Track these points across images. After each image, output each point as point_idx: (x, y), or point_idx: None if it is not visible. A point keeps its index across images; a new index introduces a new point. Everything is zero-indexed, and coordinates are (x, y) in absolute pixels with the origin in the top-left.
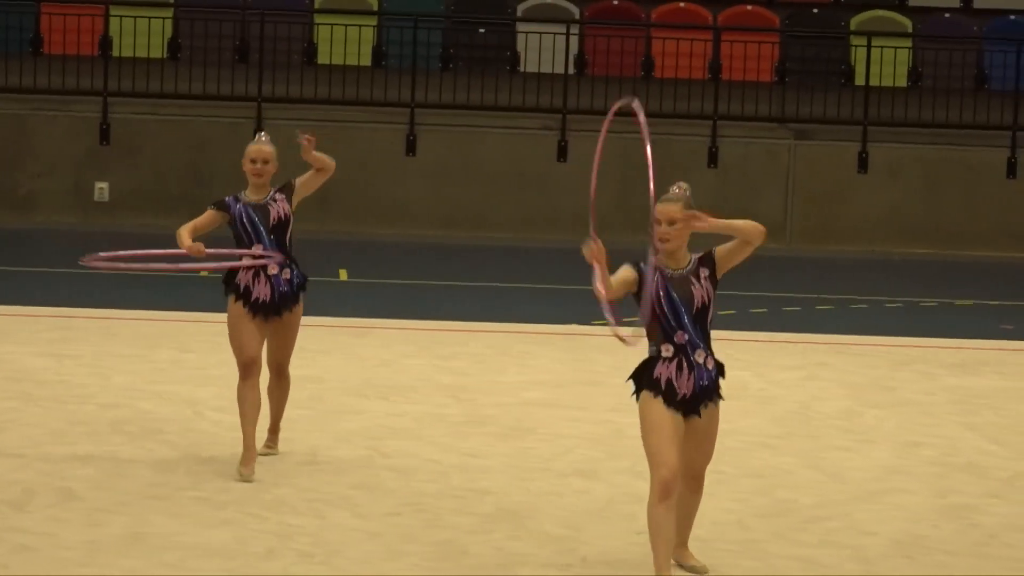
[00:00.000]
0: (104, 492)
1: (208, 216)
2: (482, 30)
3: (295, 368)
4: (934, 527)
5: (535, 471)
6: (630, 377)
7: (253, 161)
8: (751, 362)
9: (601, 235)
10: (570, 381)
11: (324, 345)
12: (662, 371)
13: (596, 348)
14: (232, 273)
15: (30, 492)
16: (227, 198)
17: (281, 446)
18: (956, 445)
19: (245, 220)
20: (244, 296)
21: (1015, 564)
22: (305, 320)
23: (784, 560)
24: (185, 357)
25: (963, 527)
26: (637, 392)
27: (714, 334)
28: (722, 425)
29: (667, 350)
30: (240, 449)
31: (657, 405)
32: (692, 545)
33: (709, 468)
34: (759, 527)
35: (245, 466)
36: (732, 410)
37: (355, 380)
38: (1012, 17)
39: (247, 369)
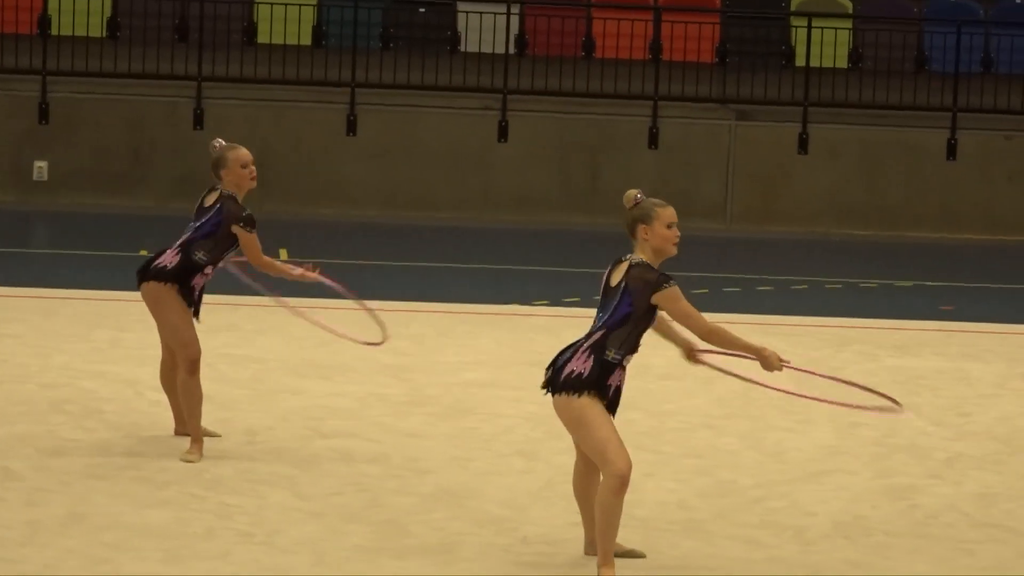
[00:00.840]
0: (43, 472)
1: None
2: (422, 9)
3: (235, 348)
4: (874, 508)
5: (476, 451)
6: (578, 379)
7: (244, 166)
8: None
9: (543, 215)
10: (511, 362)
11: (264, 325)
12: (615, 380)
13: (536, 328)
14: (188, 274)
15: None
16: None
17: (222, 427)
18: (896, 426)
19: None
20: (188, 297)
21: (955, 544)
22: (244, 299)
23: (725, 540)
24: (124, 337)
25: (903, 508)
26: (580, 392)
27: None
28: (665, 405)
29: (627, 361)
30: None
31: (600, 407)
32: (632, 525)
33: (651, 448)
34: (701, 507)
35: (197, 453)
36: (674, 391)
37: (295, 360)
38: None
39: (196, 364)
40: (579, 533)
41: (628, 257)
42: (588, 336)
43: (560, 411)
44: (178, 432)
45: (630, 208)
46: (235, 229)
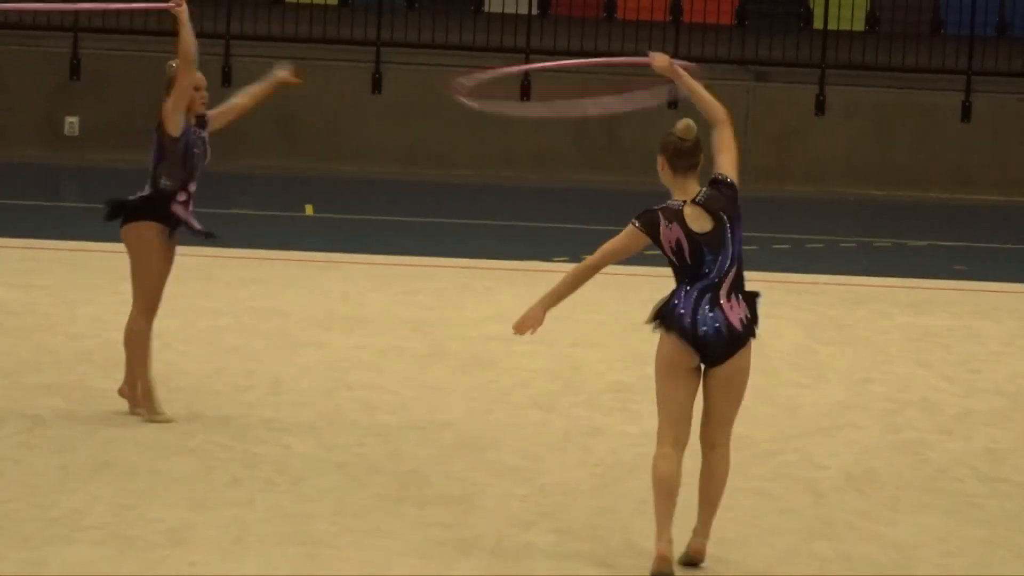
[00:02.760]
0: (72, 420)
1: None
2: None
3: (261, 300)
4: (885, 462)
5: (494, 403)
6: (751, 324)
7: (197, 89)
8: None
9: (562, 173)
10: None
11: (289, 279)
12: None
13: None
14: (163, 201)
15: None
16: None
17: (247, 379)
18: (908, 382)
19: (191, 148)
20: (166, 222)
21: (963, 498)
22: (270, 254)
23: (738, 492)
24: None
25: (914, 462)
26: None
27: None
28: None
29: None
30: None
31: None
32: (646, 480)
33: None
34: None
35: (157, 412)
36: None
37: (319, 313)
38: None
39: (152, 312)
40: (594, 483)
41: (687, 200)
42: (718, 284)
43: (742, 366)
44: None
45: (694, 139)
46: (164, 104)
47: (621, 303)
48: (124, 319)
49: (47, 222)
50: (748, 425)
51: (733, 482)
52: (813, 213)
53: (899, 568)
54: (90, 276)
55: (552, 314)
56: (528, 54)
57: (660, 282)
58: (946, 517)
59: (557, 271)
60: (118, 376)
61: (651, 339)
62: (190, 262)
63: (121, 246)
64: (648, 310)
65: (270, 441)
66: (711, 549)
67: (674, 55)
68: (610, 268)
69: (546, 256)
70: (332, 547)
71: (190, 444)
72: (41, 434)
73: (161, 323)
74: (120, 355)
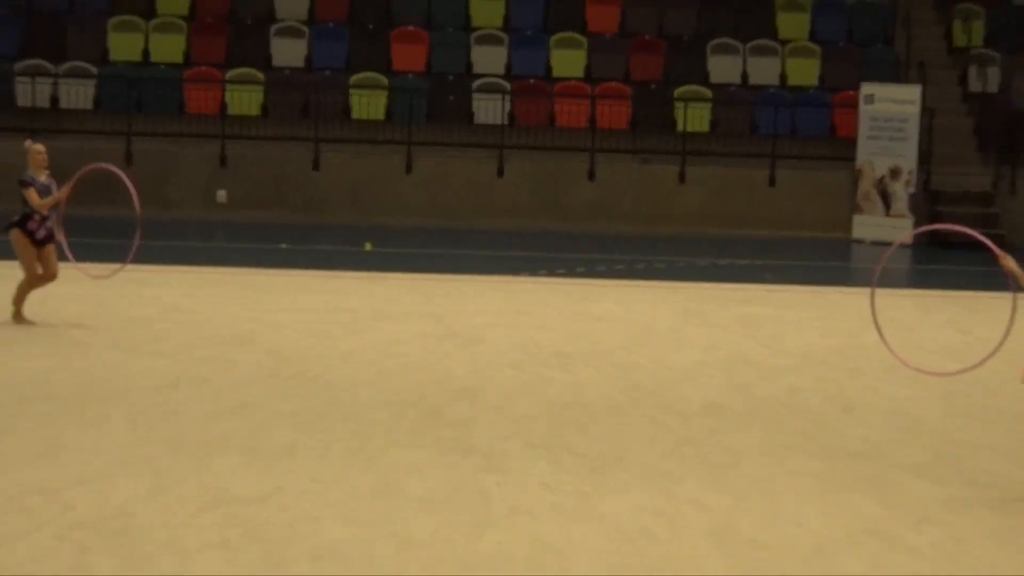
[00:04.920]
0: (221, 379)
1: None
2: (451, 97)
3: (335, 303)
4: (727, 398)
5: (484, 365)
6: None
7: (39, 154)
8: (620, 299)
9: (523, 221)
10: (504, 311)
11: (354, 288)
12: None
13: (521, 291)
14: (24, 222)
15: (174, 379)
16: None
17: (328, 350)
18: (739, 348)
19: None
20: (32, 236)
21: (774, 419)
22: (344, 273)
23: (634, 417)
24: (266, 297)
25: (744, 398)
26: None
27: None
28: (597, 337)
29: None
30: None
31: None
32: (580, 412)
33: (589, 365)
34: (624, 398)
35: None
36: (600, 330)
37: (372, 310)
38: (771, 90)
39: (34, 282)
40: (547, 413)
41: None
42: None
43: None
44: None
45: None
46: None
47: (566, 301)
48: (252, 321)
49: (202, 255)
50: (639, 374)
51: (632, 411)
52: (679, 245)
53: (733, 460)
54: (228, 289)
55: (519, 310)
56: (502, 148)
57: (590, 289)
58: (763, 431)
59: (520, 283)
60: (252, 351)
61: (587, 324)
62: (302, 281)
63: (254, 270)
64: (579, 308)
65: (345, 390)
66: (622, 451)
67: (591, 149)
68: (555, 279)
69: (515, 272)
70: (386, 453)
71: (299, 392)
72: (202, 389)
73: (278, 317)
74: (254, 339)
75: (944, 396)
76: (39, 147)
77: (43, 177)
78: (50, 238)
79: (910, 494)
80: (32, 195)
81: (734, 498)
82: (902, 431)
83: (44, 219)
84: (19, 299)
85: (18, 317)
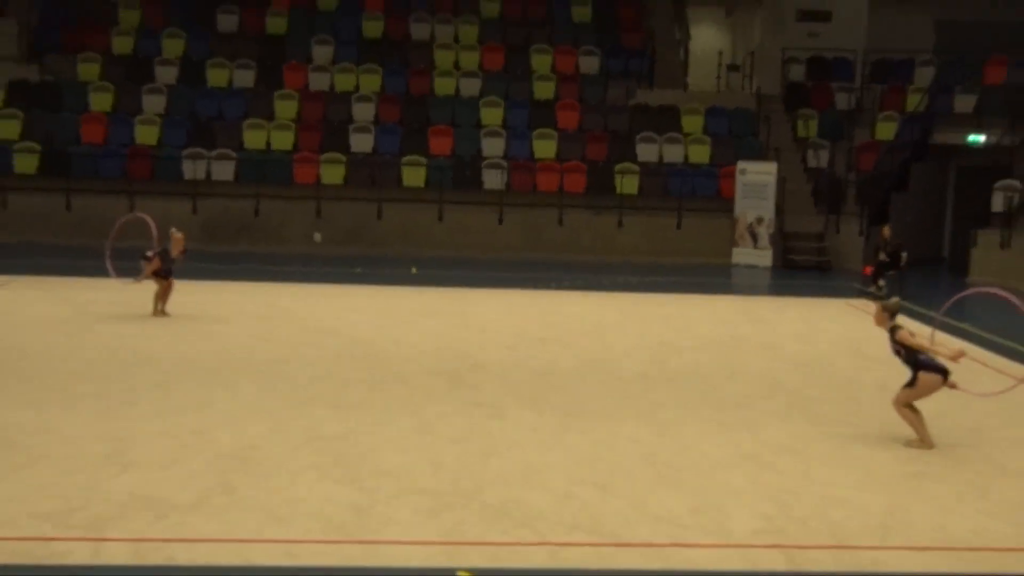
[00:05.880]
0: (318, 360)
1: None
2: (468, 172)
3: (390, 305)
4: (655, 368)
5: (488, 346)
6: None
7: (181, 240)
8: (580, 304)
9: (515, 254)
10: (504, 311)
11: (403, 297)
12: None
13: (516, 299)
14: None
15: (285, 356)
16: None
17: (382, 339)
18: (649, 334)
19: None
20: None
21: (685, 386)
22: (395, 289)
23: (595, 382)
24: (357, 303)
25: (663, 368)
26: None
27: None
28: (565, 328)
29: None
30: None
31: None
32: (556, 379)
33: (560, 346)
34: (584, 368)
35: None
36: (567, 323)
37: (411, 310)
38: (679, 166)
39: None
40: (533, 378)
41: None
42: None
43: None
44: None
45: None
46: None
47: (544, 305)
48: (335, 319)
49: (304, 276)
50: (595, 352)
51: (589, 377)
52: (619, 268)
53: (656, 409)
54: (320, 298)
55: (514, 310)
56: (502, 205)
57: (560, 297)
58: (676, 390)
59: (515, 293)
60: (336, 338)
61: (558, 319)
62: (369, 292)
63: (337, 285)
64: (553, 309)
65: (396, 366)
66: (583, 404)
67: (560, 205)
68: (536, 289)
69: (510, 287)
70: (425, 406)
71: (366, 365)
72: (302, 363)
73: (353, 316)
74: (337, 330)
75: (798, 365)
76: (180, 235)
77: (175, 253)
78: (169, 273)
79: (774, 432)
80: (149, 267)
81: (657, 435)
82: (768, 389)
83: (172, 261)
84: (155, 302)
85: (156, 312)
